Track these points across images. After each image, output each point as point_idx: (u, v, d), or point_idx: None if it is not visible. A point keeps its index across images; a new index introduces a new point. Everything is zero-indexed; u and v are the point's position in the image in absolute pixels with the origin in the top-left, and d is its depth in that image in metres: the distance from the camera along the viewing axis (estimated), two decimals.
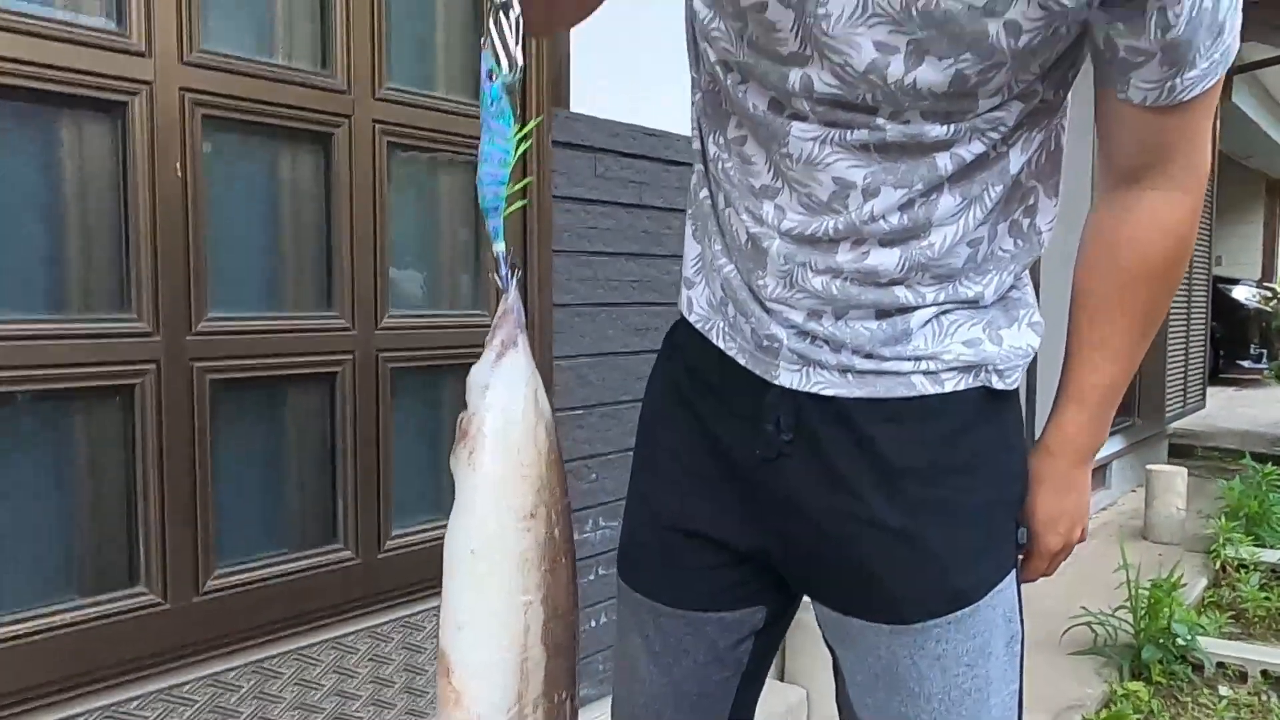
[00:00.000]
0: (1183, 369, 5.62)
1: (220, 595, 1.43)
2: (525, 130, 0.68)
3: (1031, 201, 0.87)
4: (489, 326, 0.72)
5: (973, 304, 0.86)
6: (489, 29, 0.63)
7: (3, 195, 1.23)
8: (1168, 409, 5.32)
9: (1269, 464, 4.79)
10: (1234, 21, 0.75)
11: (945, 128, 0.78)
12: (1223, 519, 4.19)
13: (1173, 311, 5.21)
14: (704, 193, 0.94)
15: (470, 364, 0.72)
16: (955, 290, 0.85)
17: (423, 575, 1.66)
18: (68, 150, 1.29)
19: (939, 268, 0.83)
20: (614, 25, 1.43)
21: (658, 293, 2.10)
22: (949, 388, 0.85)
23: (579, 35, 1.85)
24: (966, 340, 0.85)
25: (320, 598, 1.55)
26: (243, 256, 1.47)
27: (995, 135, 0.80)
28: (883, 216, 0.80)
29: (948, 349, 0.85)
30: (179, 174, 1.35)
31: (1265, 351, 10.52)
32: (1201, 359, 6.13)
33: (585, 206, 1.93)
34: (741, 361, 0.89)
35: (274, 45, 1.49)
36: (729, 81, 0.84)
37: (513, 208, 0.70)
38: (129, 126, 1.31)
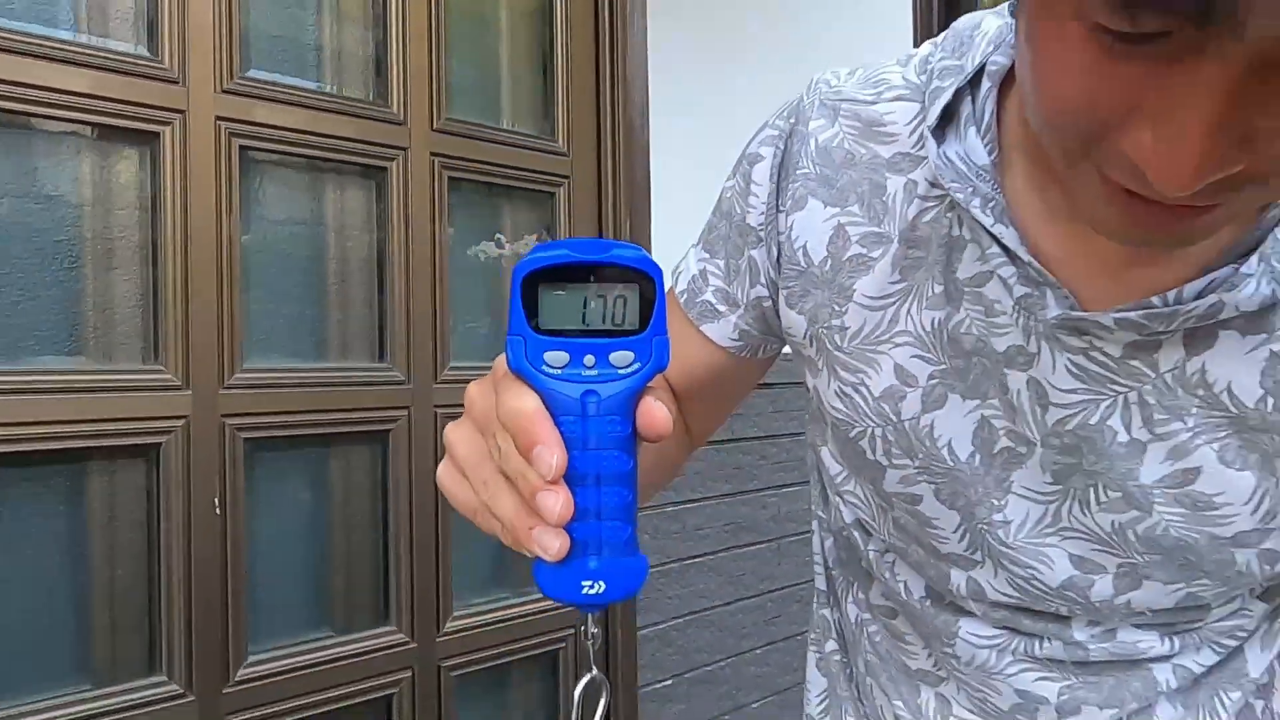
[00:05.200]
0: None
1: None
2: None
3: (1271, 683, 0.64)
4: None
5: None
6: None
7: (16, 236, 1.12)
8: None
9: None
10: None
11: (1165, 641, 0.59)
12: None
13: None
14: (832, 644, 0.75)
15: None
16: None
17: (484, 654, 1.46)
18: (105, 179, 1.17)
19: None
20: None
21: (752, 531, 1.90)
22: None
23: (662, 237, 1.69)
24: None
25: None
26: (283, 302, 1.33)
27: (1231, 641, 0.60)
28: None
29: None
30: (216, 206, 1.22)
31: None
32: None
33: None
34: None
35: (322, 74, 1.37)
36: (870, 550, 0.66)
37: None
38: (159, 156, 1.19)
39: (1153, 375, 0.50)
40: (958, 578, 0.60)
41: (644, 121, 1.69)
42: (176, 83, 1.20)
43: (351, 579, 1.39)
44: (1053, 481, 0.54)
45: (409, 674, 1.42)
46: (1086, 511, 0.54)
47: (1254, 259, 0.46)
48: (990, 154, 0.52)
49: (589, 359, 0.40)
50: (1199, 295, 0.46)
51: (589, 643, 0.44)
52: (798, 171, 0.60)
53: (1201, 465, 0.51)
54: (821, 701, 0.77)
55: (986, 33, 0.54)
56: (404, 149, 1.42)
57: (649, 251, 0.58)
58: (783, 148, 0.61)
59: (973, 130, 0.53)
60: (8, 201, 1.10)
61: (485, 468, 0.41)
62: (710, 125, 1.80)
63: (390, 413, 1.41)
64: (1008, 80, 0.52)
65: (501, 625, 1.52)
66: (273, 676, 1.28)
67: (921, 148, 0.55)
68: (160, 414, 1.19)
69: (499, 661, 1.53)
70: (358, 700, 1.37)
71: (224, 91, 1.24)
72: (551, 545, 0.38)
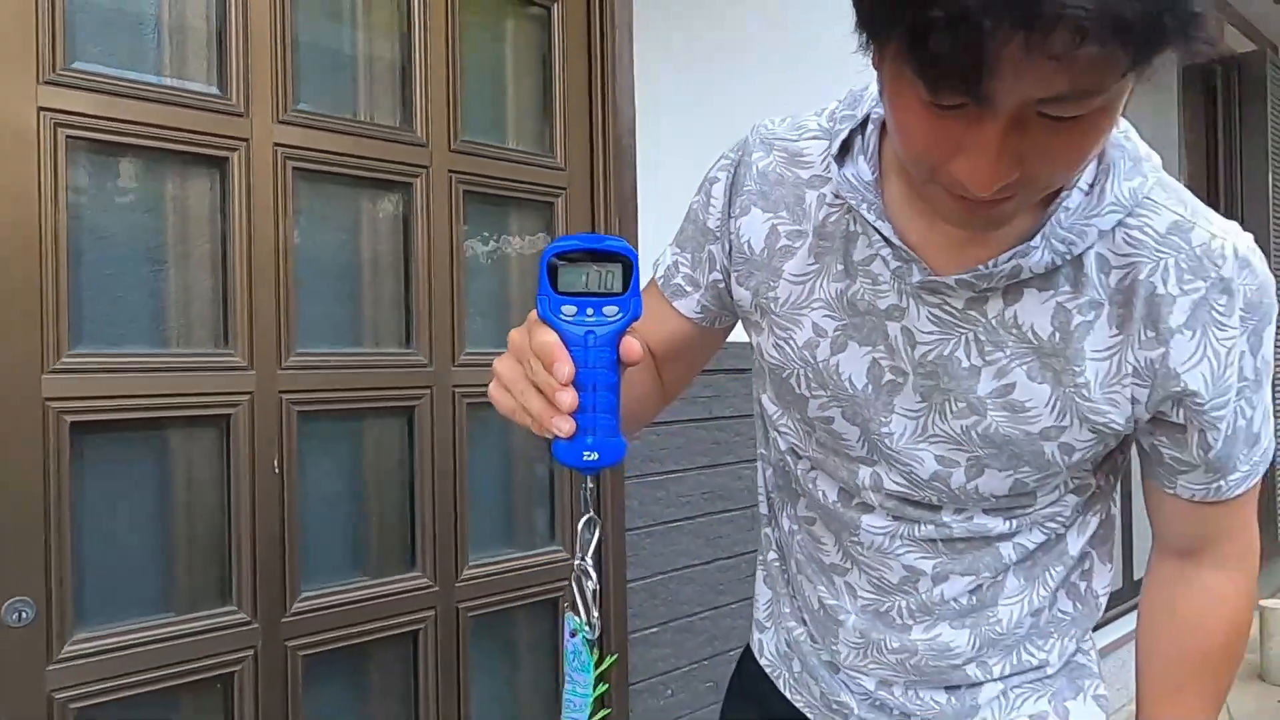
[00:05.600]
0: None
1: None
2: (605, 669, 0.77)
3: (1087, 567, 0.90)
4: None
5: (1038, 670, 0.88)
6: (573, 595, 0.75)
7: (119, 244, 1.36)
8: None
9: None
10: (1268, 430, 0.79)
11: (1007, 523, 0.83)
12: None
13: None
14: (773, 554, 0.99)
15: None
16: (1020, 658, 0.88)
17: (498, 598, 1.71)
18: (180, 200, 1.42)
19: (1006, 640, 0.87)
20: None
21: (727, 500, 2.16)
22: None
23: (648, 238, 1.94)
24: (1033, 714, 0.88)
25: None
26: (328, 296, 1.58)
27: (1054, 525, 0.85)
28: (953, 599, 0.85)
29: None
30: (274, 227, 1.47)
31: None
32: None
33: (654, 429, 2.00)
34: (811, 716, 0.95)
35: (357, 105, 1.62)
36: (799, 468, 0.91)
37: None
38: (229, 180, 1.44)
39: (983, 320, 0.76)
40: (863, 474, 0.84)
41: (631, 141, 1.94)
42: (242, 116, 1.45)
43: (384, 530, 1.64)
44: (921, 400, 0.79)
45: (432, 613, 1.67)
46: (944, 419, 0.79)
47: (1038, 238, 0.71)
48: (873, 173, 0.77)
49: (589, 310, 0.66)
50: (1007, 262, 0.72)
51: (584, 491, 0.70)
52: (744, 189, 0.86)
53: (1016, 381, 0.76)
54: (767, 608, 1.02)
55: (872, 93, 0.79)
56: (426, 167, 1.67)
57: (633, 247, 0.83)
58: (733, 172, 0.88)
59: (862, 158, 0.79)
60: (109, 214, 1.35)
61: (521, 382, 0.67)
62: (689, 145, 2.05)
63: (416, 391, 1.66)
64: (885, 124, 0.78)
65: (511, 574, 1.78)
66: (321, 609, 1.53)
67: (829, 171, 0.80)
68: (230, 390, 1.44)
69: (509, 605, 1.78)
70: (390, 634, 1.62)
71: (280, 122, 1.48)
72: (564, 427, 0.64)
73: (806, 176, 0.83)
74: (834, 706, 0.92)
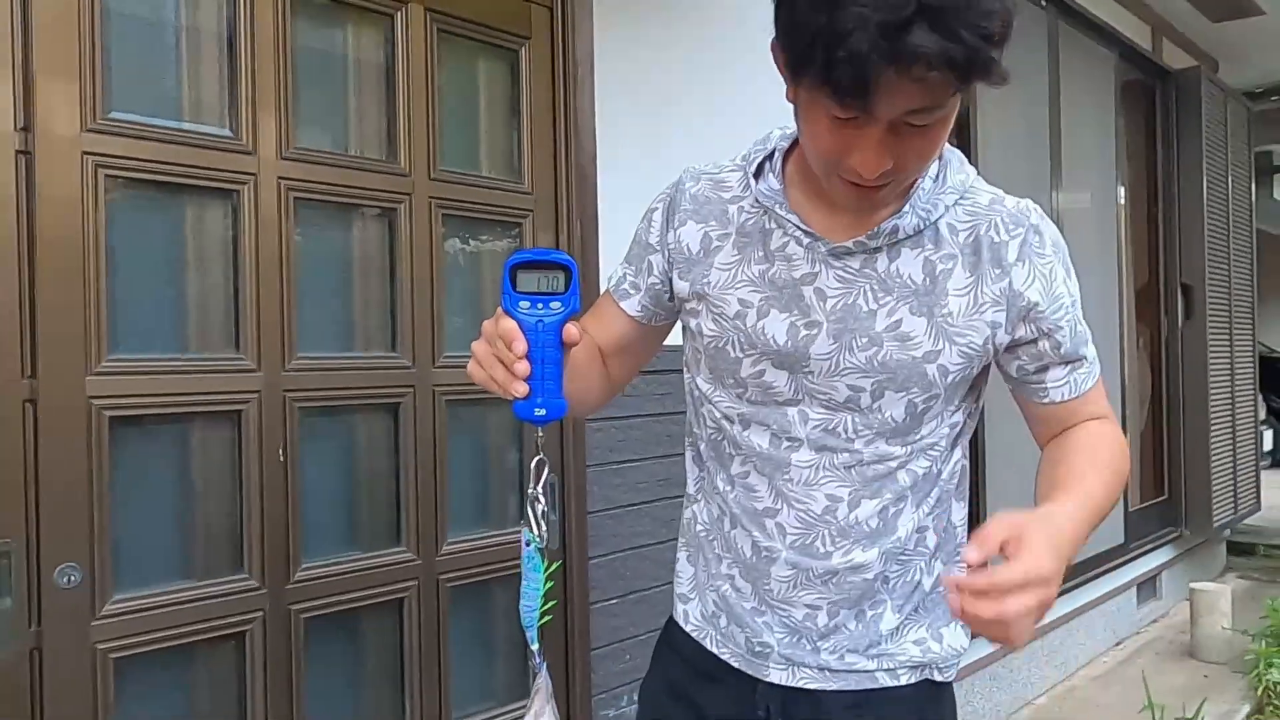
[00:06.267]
0: (1231, 476, 5.32)
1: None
2: (550, 570, 1.03)
3: (950, 504, 1.16)
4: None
5: (924, 595, 1.13)
6: (526, 514, 1.02)
7: (148, 263, 1.60)
8: (1216, 517, 5.09)
9: None
10: (1089, 337, 1.09)
11: (903, 448, 1.08)
12: (1264, 643, 4.10)
13: (1216, 416, 5.09)
14: (700, 526, 1.20)
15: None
16: (912, 576, 1.12)
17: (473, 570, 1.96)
18: (194, 228, 1.66)
19: (901, 554, 1.11)
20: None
21: (679, 486, 2.39)
22: (903, 681, 1.12)
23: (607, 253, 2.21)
24: (916, 639, 1.12)
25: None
26: (325, 308, 1.82)
27: (933, 454, 1.11)
28: (865, 521, 1.09)
29: (904, 650, 1.11)
30: (278, 247, 1.71)
31: None
32: (1252, 463, 5.68)
33: (614, 423, 2.26)
34: (734, 664, 1.15)
35: (349, 141, 1.87)
36: (734, 430, 1.12)
37: (543, 622, 1.05)
38: (239, 209, 1.68)
39: (875, 274, 1.05)
40: (791, 413, 1.09)
41: (592, 169, 2.19)
42: (250, 154, 1.69)
43: (373, 511, 1.89)
44: (833, 342, 1.06)
45: (415, 583, 1.91)
46: (852, 354, 1.05)
47: (906, 207, 1.02)
48: (780, 184, 1.08)
49: (540, 305, 0.94)
50: (888, 223, 1.01)
51: (537, 439, 0.97)
52: (680, 208, 1.15)
53: (902, 318, 1.05)
54: (690, 581, 1.23)
55: (776, 135, 1.11)
56: (409, 195, 1.92)
57: (580, 263, 1.07)
58: (669, 200, 1.17)
59: (771, 176, 1.09)
60: (140, 239, 1.59)
61: (489, 358, 0.95)
62: (645, 172, 2.31)
63: (400, 389, 1.90)
64: (788, 152, 1.10)
65: (487, 549, 2.03)
66: (320, 578, 1.77)
67: (745, 190, 1.11)
68: (241, 389, 1.68)
69: (486, 577, 2.03)
70: (374, 602, 1.86)
71: (283, 158, 1.73)
72: (520, 389, 0.92)
73: (728, 196, 1.13)
74: (757, 649, 1.13)
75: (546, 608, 1.03)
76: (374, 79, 1.90)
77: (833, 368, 1.05)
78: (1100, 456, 1.04)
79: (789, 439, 1.09)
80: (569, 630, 2.17)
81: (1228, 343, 5.31)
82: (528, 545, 1.01)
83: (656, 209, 1.18)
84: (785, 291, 1.06)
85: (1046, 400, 1.09)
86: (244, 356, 1.69)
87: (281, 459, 1.72)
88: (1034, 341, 1.05)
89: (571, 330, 0.94)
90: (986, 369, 1.11)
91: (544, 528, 1.00)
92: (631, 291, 1.19)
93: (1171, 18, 4.97)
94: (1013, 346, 1.06)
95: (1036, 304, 1.03)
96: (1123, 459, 1.07)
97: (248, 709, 1.68)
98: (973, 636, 1.08)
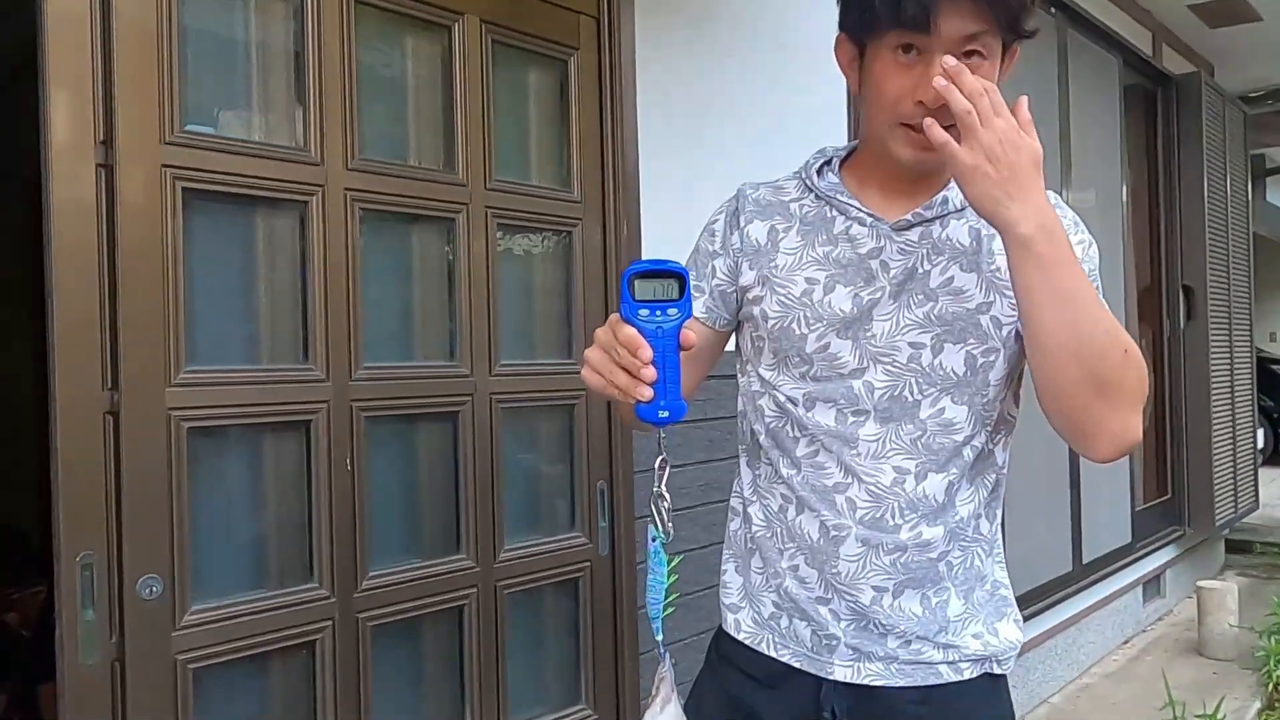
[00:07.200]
0: (1231, 475, 5.37)
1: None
2: (673, 565, 1.06)
3: (1000, 498, 1.21)
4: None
5: (981, 584, 1.18)
6: (652, 511, 1.05)
7: (222, 275, 1.61)
8: (1218, 516, 5.15)
9: None
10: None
11: (966, 414, 1.13)
12: (1272, 640, 4.13)
13: (1217, 416, 5.15)
14: (756, 524, 1.21)
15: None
16: (972, 563, 1.16)
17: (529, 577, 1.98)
18: (268, 237, 1.67)
19: (963, 536, 1.16)
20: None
21: (721, 490, 2.42)
22: (965, 675, 1.15)
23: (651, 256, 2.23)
24: (975, 633, 1.16)
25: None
26: (388, 316, 1.84)
27: (989, 429, 1.16)
28: (932, 495, 1.13)
29: (965, 643, 1.15)
30: (346, 256, 1.72)
31: None
32: (1251, 461, 5.75)
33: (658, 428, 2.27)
34: (796, 665, 1.16)
35: (409, 151, 1.88)
36: (799, 411, 1.16)
37: (667, 614, 1.07)
38: (308, 219, 1.69)
39: (930, 241, 1.14)
40: (857, 385, 1.14)
41: (635, 179, 2.21)
42: (318, 165, 1.70)
43: (434, 518, 1.90)
44: (892, 301, 1.13)
45: (474, 590, 1.93)
46: (911, 310, 1.12)
47: (950, 185, 1.13)
48: (838, 179, 1.16)
49: (658, 312, 0.97)
50: (938, 195, 1.14)
51: (659, 440, 0.99)
52: (745, 211, 1.22)
53: (954, 275, 1.12)
54: (740, 591, 1.24)
55: (827, 149, 1.22)
56: (466, 204, 1.93)
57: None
58: (732, 210, 1.24)
59: (831, 175, 1.17)
60: (215, 251, 1.60)
61: (608, 365, 0.97)
62: (684, 181, 2.34)
63: (459, 398, 1.92)
64: (846, 159, 1.22)
65: (540, 555, 2.04)
66: (385, 586, 1.78)
67: (803, 193, 1.20)
68: (311, 399, 1.69)
69: (539, 584, 2.04)
70: (435, 609, 1.87)
71: (349, 169, 1.74)
72: (646, 394, 0.95)
73: (788, 199, 1.22)
74: (824, 642, 1.14)
75: (670, 600, 1.05)
76: (431, 90, 1.92)
77: (894, 328, 1.12)
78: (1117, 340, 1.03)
79: (855, 412, 1.13)
80: (618, 635, 2.19)
81: (1227, 344, 5.39)
82: (653, 541, 1.03)
83: (718, 219, 1.25)
84: (850, 268, 1.14)
85: None
86: (313, 366, 1.70)
87: (349, 468, 1.73)
88: None
89: (689, 335, 0.97)
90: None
91: (669, 524, 1.03)
92: (697, 295, 1.23)
93: (1171, 23, 5.05)
94: None
95: None
96: (1138, 365, 1.02)
97: (318, 717, 1.69)
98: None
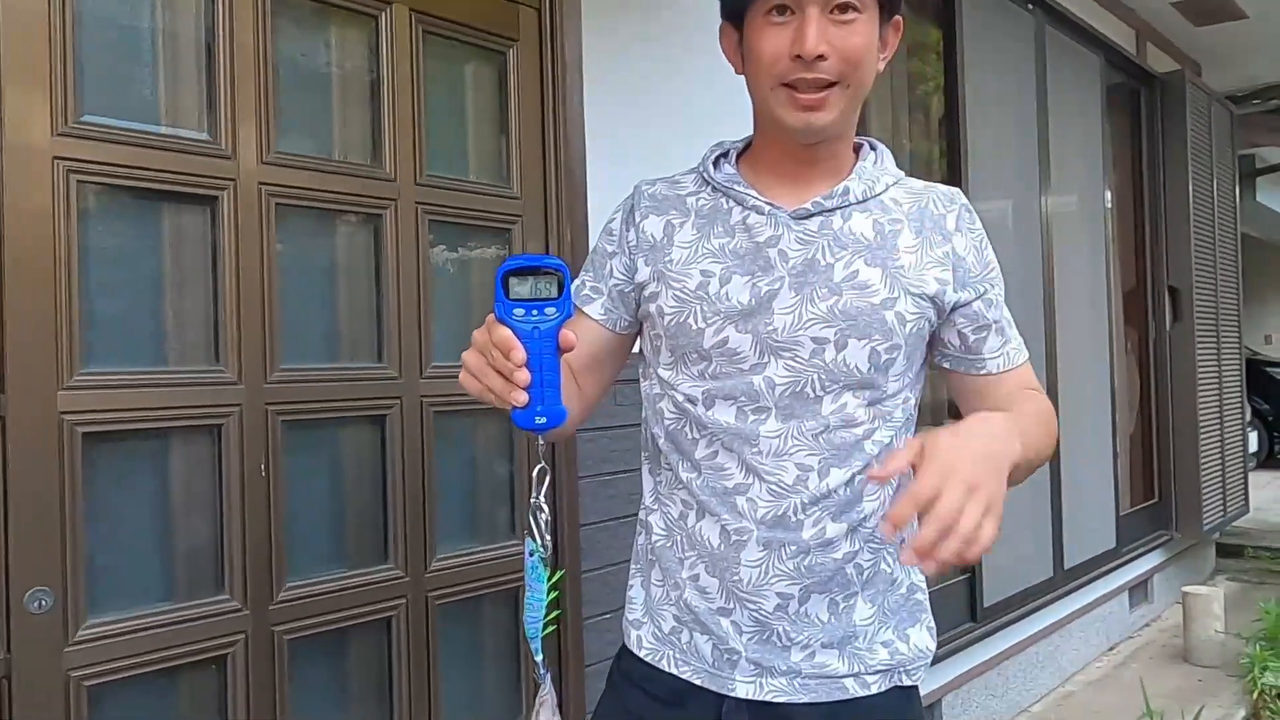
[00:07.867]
0: (1220, 478, 5.28)
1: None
2: (555, 580, 1.01)
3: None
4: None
5: (894, 589, 1.13)
6: (529, 524, 1.00)
7: (123, 272, 1.54)
8: (1206, 520, 5.05)
9: None
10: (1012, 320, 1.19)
11: (867, 409, 1.09)
12: (1258, 646, 4.02)
13: (1205, 419, 5.08)
14: (656, 534, 1.16)
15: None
16: (881, 568, 1.12)
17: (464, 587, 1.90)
18: (174, 235, 1.60)
19: (868, 532, 1.10)
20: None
21: None
22: (873, 690, 1.10)
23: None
24: (884, 640, 1.11)
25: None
26: (308, 317, 1.76)
27: (893, 425, 1.12)
28: (835, 490, 1.08)
29: (873, 652, 1.10)
30: (261, 254, 1.65)
31: None
32: (1240, 464, 5.64)
33: (606, 433, 2.21)
34: (697, 682, 1.11)
35: (332, 145, 1.81)
36: (698, 410, 1.11)
37: (547, 633, 1.02)
38: (219, 216, 1.62)
39: (830, 232, 1.09)
40: (757, 380, 1.08)
41: (582, 173, 2.14)
42: (229, 159, 1.63)
43: (359, 527, 1.82)
44: (795, 295, 1.07)
45: (403, 601, 1.85)
46: (815, 305, 1.07)
47: (852, 175, 1.14)
48: (735, 171, 1.12)
49: (534, 311, 0.90)
50: (840, 185, 1.11)
51: (538, 447, 0.92)
52: (641, 207, 1.18)
53: (858, 269, 1.08)
54: (643, 606, 1.18)
55: (724, 142, 1.17)
56: (394, 200, 1.86)
57: (571, 268, 1.02)
58: (628, 209, 1.19)
59: (727, 165, 1.13)
60: (114, 248, 1.53)
61: (484, 368, 0.91)
62: (634, 176, 2.26)
63: (387, 401, 1.85)
64: (744, 151, 1.19)
65: (476, 565, 1.97)
66: (304, 598, 1.71)
67: (700, 186, 1.17)
68: (221, 402, 1.61)
69: (476, 594, 1.97)
70: (361, 621, 1.80)
71: (264, 163, 1.67)
72: (520, 398, 0.88)
73: (685, 192, 1.19)
74: (725, 657, 1.09)
75: (550, 618, 0.98)
76: (357, 82, 1.85)
77: (796, 321, 1.07)
78: (1026, 406, 1.10)
79: (756, 409, 1.08)
80: (562, 646, 2.11)
81: (1215, 345, 5.31)
82: (531, 555, 0.97)
83: (615, 218, 1.22)
84: (747, 258, 1.10)
85: (984, 371, 1.15)
86: (224, 368, 1.62)
87: (264, 474, 1.65)
88: (970, 304, 1.12)
89: (568, 335, 0.92)
90: (926, 359, 1.16)
91: (547, 537, 0.96)
92: (593, 296, 1.19)
93: (1155, 21, 4.98)
94: (954, 310, 1.12)
95: (972, 268, 1.13)
96: (1051, 417, 1.12)
97: None
98: (959, 571, 1.07)
